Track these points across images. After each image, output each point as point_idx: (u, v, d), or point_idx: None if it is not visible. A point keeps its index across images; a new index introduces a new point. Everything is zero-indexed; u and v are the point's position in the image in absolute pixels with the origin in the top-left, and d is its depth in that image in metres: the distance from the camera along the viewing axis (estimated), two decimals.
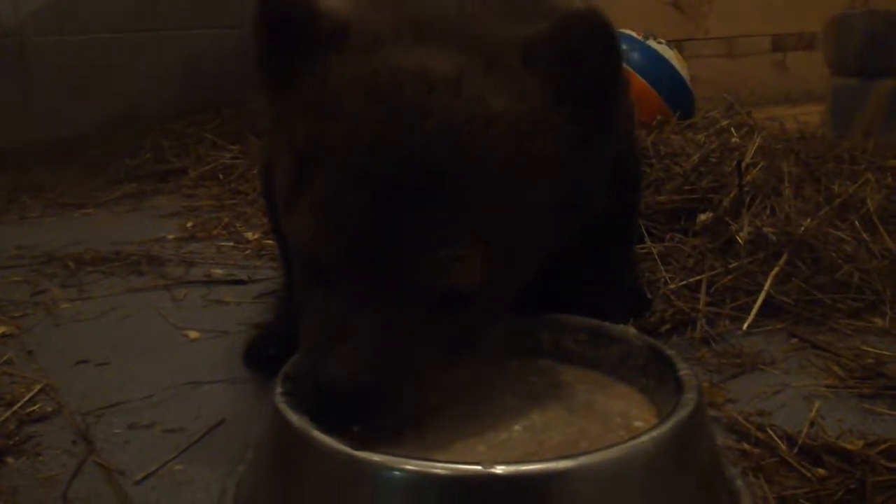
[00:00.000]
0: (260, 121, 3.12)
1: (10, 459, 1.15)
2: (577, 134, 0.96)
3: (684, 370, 0.96)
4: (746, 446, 1.12)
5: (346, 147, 0.89)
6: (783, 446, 1.11)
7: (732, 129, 2.25)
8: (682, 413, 0.86)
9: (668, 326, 1.49)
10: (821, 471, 1.05)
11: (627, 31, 2.88)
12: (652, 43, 2.92)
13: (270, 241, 2.10)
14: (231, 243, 2.18)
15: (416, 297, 0.89)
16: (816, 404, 1.23)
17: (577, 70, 0.94)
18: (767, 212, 1.78)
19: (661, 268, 1.64)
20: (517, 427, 0.93)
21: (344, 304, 0.88)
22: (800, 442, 1.11)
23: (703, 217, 1.80)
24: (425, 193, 0.87)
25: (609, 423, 0.95)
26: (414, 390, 0.91)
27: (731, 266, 1.62)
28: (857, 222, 1.76)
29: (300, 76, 0.96)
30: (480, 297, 0.93)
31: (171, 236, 2.27)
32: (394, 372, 0.88)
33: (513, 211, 0.93)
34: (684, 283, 1.59)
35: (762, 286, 1.57)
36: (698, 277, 1.60)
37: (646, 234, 1.75)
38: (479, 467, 0.76)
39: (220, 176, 2.90)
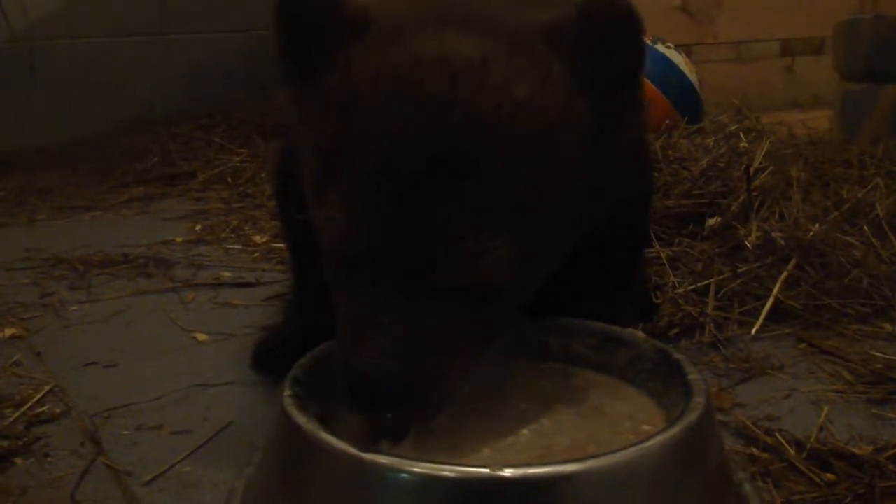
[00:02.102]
0: (269, 122, 3.14)
1: (18, 460, 1.16)
2: (600, 119, 0.95)
3: (693, 374, 0.95)
4: (755, 451, 1.12)
5: (373, 140, 0.88)
6: (792, 451, 1.11)
7: (741, 134, 2.25)
8: (691, 417, 0.86)
9: (676, 330, 1.49)
10: (829, 476, 1.05)
11: None
12: (661, 47, 2.91)
13: (279, 245, 2.10)
14: (239, 246, 2.18)
15: (446, 290, 0.88)
16: (825, 409, 1.23)
17: (603, 55, 0.93)
18: (776, 216, 1.78)
19: (670, 272, 1.64)
20: (524, 431, 0.93)
21: (374, 297, 0.88)
22: (808, 447, 1.11)
23: (711, 221, 1.79)
24: (453, 185, 0.86)
25: (618, 427, 0.95)
26: (444, 382, 0.90)
27: (739, 270, 1.61)
28: (865, 227, 1.76)
29: (322, 68, 0.95)
30: (509, 288, 0.93)
31: (179, 239, 2.27)
32: (424, 364, 0.87)
33: (540, 200, 0.92)
34: (693, 287, 1.59)
35: (771, 291, 1.57)
36: (707, 282, 1.60)
37: (654, 239, 1.75)
38: (486, 470, 0.76)
39: (229, 179, 2.90)
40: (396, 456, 0.80)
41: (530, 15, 0.96)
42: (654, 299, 1.56)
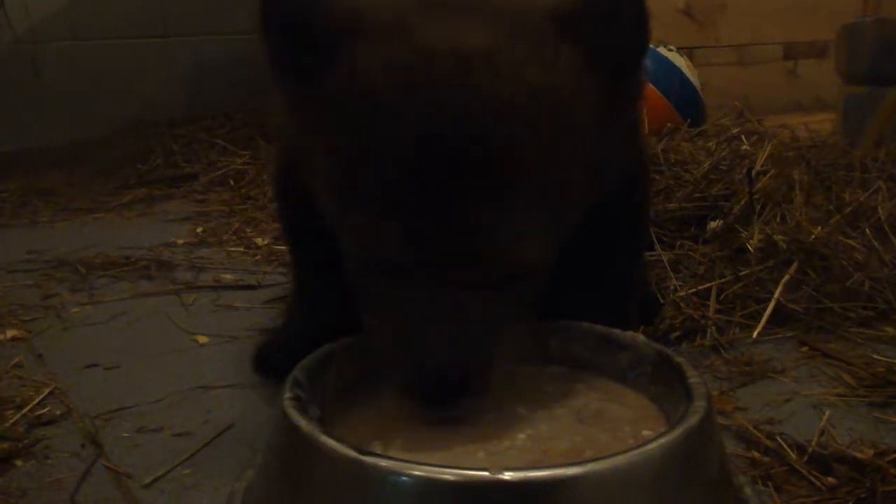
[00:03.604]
0: (271, 124, 3.14)
1: (18, 462, 1.16)
2: (605, 100, 0.96)
3: (694, 378, 0.95)
4: (756, 455, 1.12)
5: (395, 141, 0.88)
6: (793, 455, 1.10)
7: (743, 137, 2.24)
8: (691, 421, 0.86)
9: (677, 334, 1.49)
10: (831, 480, 1.05)
11: None
12: (663, 50, 2.91)
13: (280, 247, 2.10)
14: (241, 248, 2.18)
15: (488, 278, 0.90)
16: (827, 413, 1.22)
17: (609, 38, 0.93)
18: (778, 220, 1.77)
19: (672, 275, 1.64)
20: (521, 435, 0.92)
21: (421, 295, 0.90)
22: (810, 451, 1.11)
23: (713, 224, 1.79)
24: (483, 174, 0.87)
25: (618, 432, 0.95)
26: (495, 361, 0.94)
27: (741, 274, 1.61)
28: (868, 231, 1.75)
29: (323, 71, 0.94)
30: (541, 265, 0.95)
31: (180, 241, 2.27)
32: (481, 350, 0.91)
33: (559, 180, 0.93)
34: (694, 290, 1.59)
35: (772, 294, 1.56)
36: (708, 285, 1.60)
37: (656, 242, 1.75)
38: (486, 473, 0.76)
39: (231, 181, 2.90)
40: (396, 459, 0.80)
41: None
42: (656, 301, 1.56)
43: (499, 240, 0.89)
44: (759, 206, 1.79)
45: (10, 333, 1.61)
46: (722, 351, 1.45)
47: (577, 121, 0.94)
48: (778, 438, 1.14)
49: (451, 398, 0.90)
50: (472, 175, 0.87)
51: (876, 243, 1.71)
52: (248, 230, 2.35)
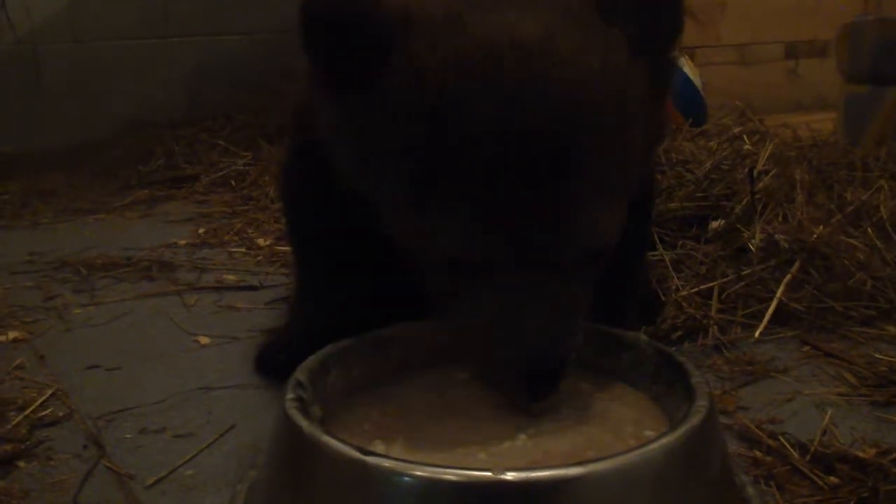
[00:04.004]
0: (273, 125, 3.14)
1: (21, 463, 1.16)
2: (651, 81, 0.98)
3: (696, 377, 0.95)
4: (758, 454, 1.12)
5: (473, 140, 0.88)
6: (795, 454, 1.10)
7: (745, 137, 2.24)
8: (694, 421, 0.86)
9: (679, 333, 1.49)
10: (833, 479, 1.05)
11: None
12: None
13: (282, 248, 2.10)
14: (243, 249, 2.18)
15: (574, 261, 0.93)
16: (829, 412, 1.22)
17: (652, 20, 0.96)
18: (780, 219, 1.77)
19: (674, 275, 1.64)
20: (522, 436, 0.92)
21: (513, 287, 0.91)
22: (812, 450, 1.11)
23: (715, 224, 1.79)
24: (563, 164, 0.88)
25: (620, 433, 0.95)
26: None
27: (743, 273, 1.61)
28: (869, 230, 1.75)
29: (380, 72, 0.92)
30: (613, 246, 0.98)
31: (182, 242, 2.27)
32: (573, 338, 0.94)
33: (623, 161, 0.96)
34: (696, 290, 1.59)
35: (774, 293, 1.56)
36: (710, 284, 1.60)
37: (658, 242, 1.75)
38: (489, 473, 0.76)
39: (232, 182, 2.90)
40: (399, 459, 0.80)
41: None
42: (658, 301, 1.56)
43: (582, 224, 0.91)
44: (760, 206, 1.79)
45: (11, 335, 1.61)
46: (724, 350, 1.45)
47: (632, 102, 0.96)
48: (780, 438, 1.14)
49: (551, 387, 0.93)
50: (554, 165, 0.88)
51: (878, 242, 1.71)
52: (249, 231, 2.35)
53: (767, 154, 2.00)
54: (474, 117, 0.88)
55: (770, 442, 1.14)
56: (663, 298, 1.56)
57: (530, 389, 0.92)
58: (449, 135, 0.89)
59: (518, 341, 0.91)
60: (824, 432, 1.16)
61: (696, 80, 3.00)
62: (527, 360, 0.91)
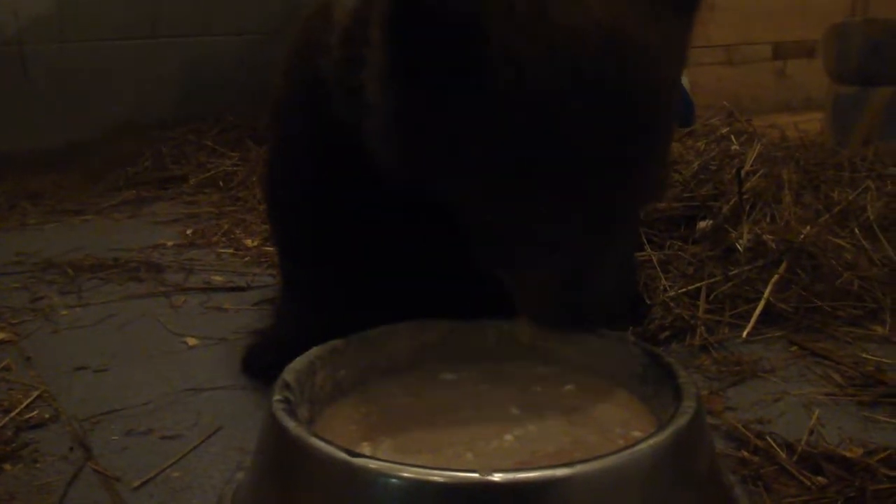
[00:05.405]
0: (261, 126, 3.13)
1: (7, 466, 1.15)
2: (685, 38, 1.06)
3: (683, 378, 0.95)
4: (746, 454, 1.12)
5: (570, 125, 0.92)
6: (782, 454, 1.11)
7: (732, 137, 2.24)
8: (681, 421, 0.86)
9: (667, 334, 1.49)
10: (820, 479, 1.05)
11: None
12: None
13: (270, 248, 2.10)
14: (230, 250, 2.18)
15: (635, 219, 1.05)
16: (816, 412, 1.23)
17: None
18: (767, 219, 1.78)
19: (661, 275, 1.64)
20: (508, 436, 0.93)
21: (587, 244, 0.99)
22: (799, 450, 1.11)
23: (702, 224, 1.79)
24: (643, 129, 0.96)
25: (607, 433, 0.95)
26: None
27: (730, 273, 1.61)
28: (856, 230, 1.76)
29: (477, 62, 0.93)
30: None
31: (170, 243, 2.26)
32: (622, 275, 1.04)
33: (671, 117, 1.04)
34: (684, 290, 1.59)
35: (762, 294, 1.57)
36: (698, 285, 1.60)
37: (646, 242, 1.75)
38: (476, 475, 0.76)
39: (220, 183, 2.89)
40: (386, 461, 0.80)
41: None
42: (646, 301, 1.56)
43: (653, 179, 1.02)
44: (748, 206, 1.80)
45: None
46: (712, 350, 1.45)
47: (676, 65, 1.04)
48: (768, 438, 1.14)
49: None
50: (637, 131, 0.95)
51: (865, 242, 1.72)
52: (237, 231, 2.34)
53: (755, 154, 2.00)
54: (570, 106, 0.92)
55: (757, 442, 1.14)
56: (651, 299, 1.56)
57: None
58: (549, 124, 0.92)
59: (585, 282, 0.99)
60: (811, 432, 1.17)
61: (685, 81, 3.01)
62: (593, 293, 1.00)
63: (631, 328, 1.42)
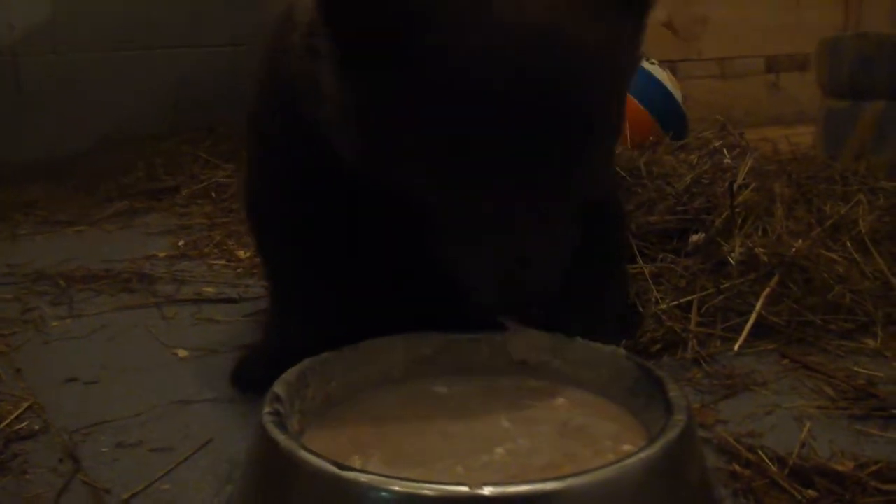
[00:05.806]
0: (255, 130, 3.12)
1: None
2: (635, 35, 1.06)
3: (674, 391, 0.95)
4: (737, 467, 1.12)
5: (502, 113, 0.93)
6: (774, 467, 1.10)
7: (725, 150, 2.25)
8: (672, 434, 0.86)
9: (658, 347, 1.49)
10: (811, 492, 1.05)
11: None
12: (645, 64, 2.92)
13: None
14: (222, 262, 2.17)
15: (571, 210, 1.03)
16: (807, 425, 1.22)
17: None
18: (759, 232, 1.78)
19: (653, 288, 1.64)
20: (499, 450, 0.92)
21: (526, 224, 1.00)
22: (790, 463, 1.11)
23: (695, 238, 1.79)
24: (580, 128, 0.97)
25: (598, 446, 0.95)
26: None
27: (722, 287, 1.61)
28: (848, 243, 1.76)
29: (412, 56, 0.94)
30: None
31: (162, 254, 2.26)
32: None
33: (613, 110, 1.05)
34: (676, 303, 1.59)
35: (754, 307, 1.56)
36: (690, 298, 1.60)
37: (637, 255, 1.75)
38: (465, 488, 0.76)
39: (213, 194, 2.89)
40: (376, 474, 0.80)
41: None
42: (637, 314, 1.56)
43: (585, 174, 1.01)
44: (740, 219, 1.80)
45: None
46: (703, 364, 1.45)
47: (621, 62, 1.04)
48: (759, 451, 1.14)
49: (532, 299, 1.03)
50: (569, 129, 0.96)
51: (857, 256, 1.72)
52: (229, 243, 2.34)
53: (747, 168, 2.00)
54: (502, 97, 0.93)
55: (749, 455, 1.14)
56: (642, 311, 1.56)
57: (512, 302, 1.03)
58: (479, 116, 0.93)
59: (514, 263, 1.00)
60: (803, 445, 1.17)
61: (677, 94, 3.02)
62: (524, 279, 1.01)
63: (622, 341, 1.42)
